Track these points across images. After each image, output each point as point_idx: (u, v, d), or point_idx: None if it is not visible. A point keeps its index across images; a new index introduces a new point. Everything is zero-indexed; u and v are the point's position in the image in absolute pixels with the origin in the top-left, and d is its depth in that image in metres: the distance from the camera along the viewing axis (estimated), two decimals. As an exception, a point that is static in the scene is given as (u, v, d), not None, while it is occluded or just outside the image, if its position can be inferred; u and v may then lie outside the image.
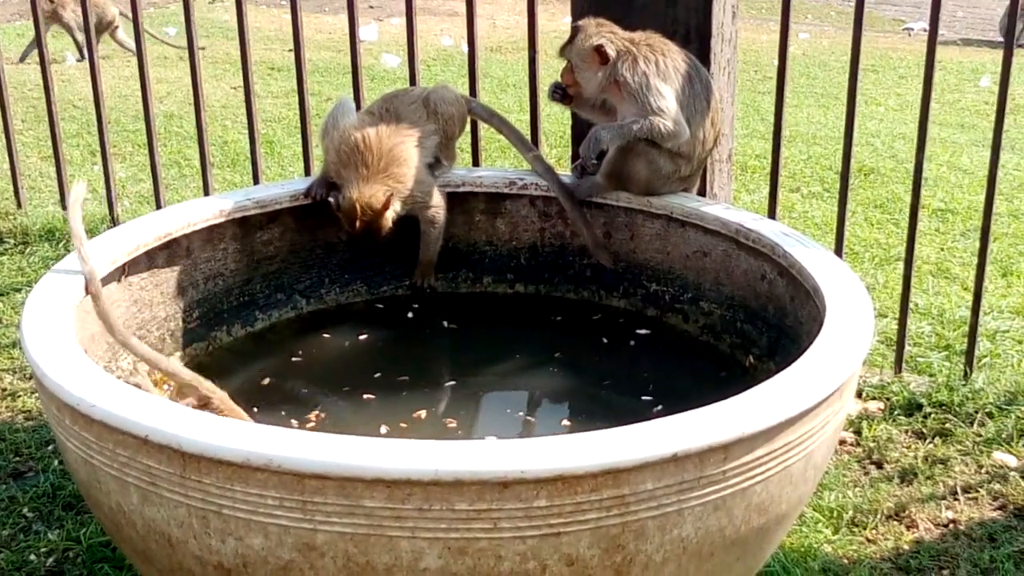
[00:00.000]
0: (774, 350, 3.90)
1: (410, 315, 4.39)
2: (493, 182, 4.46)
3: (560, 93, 4.28)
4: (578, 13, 4.58)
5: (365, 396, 3.80)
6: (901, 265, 6.49)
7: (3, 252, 6.06)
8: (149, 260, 3.91)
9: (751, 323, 4.02)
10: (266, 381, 3.94)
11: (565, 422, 3.70)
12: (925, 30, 16.22)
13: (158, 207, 6.08)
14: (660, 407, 3.81)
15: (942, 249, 6.90)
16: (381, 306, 4.47)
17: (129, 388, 2.93)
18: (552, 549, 2.69)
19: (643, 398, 3.88)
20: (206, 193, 5.88)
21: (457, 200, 4.44)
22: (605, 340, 4.27)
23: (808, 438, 2.98)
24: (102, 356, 3.68)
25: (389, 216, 4.17)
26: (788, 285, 3.83)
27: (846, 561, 3.77)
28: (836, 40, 15.50)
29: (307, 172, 5.57)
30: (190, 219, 4.02)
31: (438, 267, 4.49)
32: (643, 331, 4.28)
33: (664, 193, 4.21)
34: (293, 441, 2.68)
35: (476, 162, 5.24)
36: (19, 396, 4.70)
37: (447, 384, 3.95)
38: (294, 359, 4.10)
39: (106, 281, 3.70)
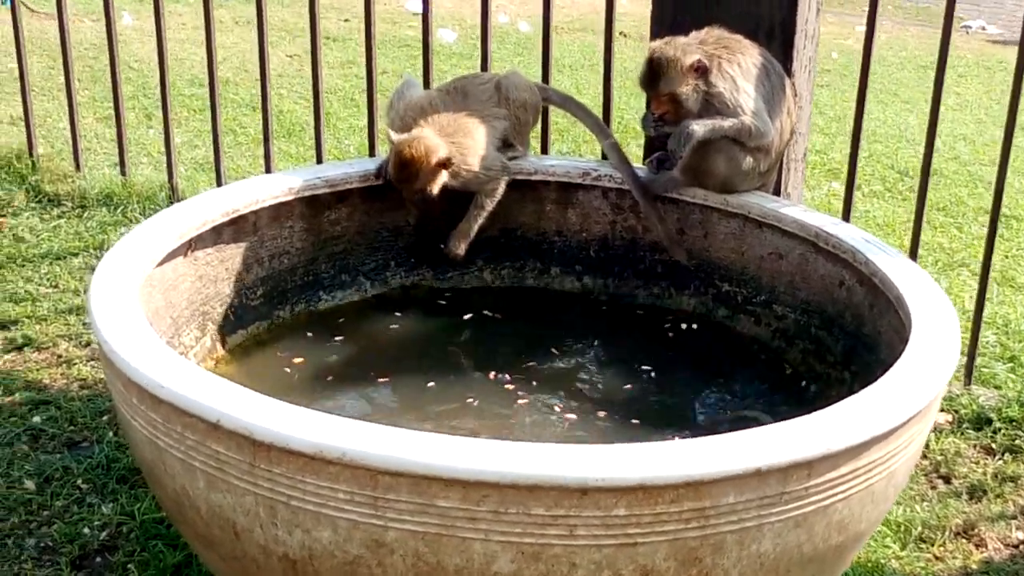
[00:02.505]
0: (849, 359, 3.81)
1: (468, 315, 4.32)
2: (566, 171, 4.37)
3: (659, 124, 4.15)
4: (660, 8, 4.48)
5: (429, 384, 3.78)
6: (965, 271, 6.42)
7: (61, 215, 6.01)
8: (215, 235, 3.85)
9: (826, 330, 3.93)
10: (330, 360, 3.90)
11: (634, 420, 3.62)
12: (983, 28, 16.03)
13: (217, 175, 6.02)
14: (729, 414, 3.73)
15: (1007, 256, 6.76)
16: (449, 295, 4.43)
17: (200, 370, 2.87)
18: (628, 559, 2.63)
19: (708, 402, 3.81)
20: (267, 165, 5.81)
21: (528, 189, 4.36)
22: (671, 335, 4.19)
23: (892, 456, 2.90)
24: (165, 331, 3.63)
25: (441, 179, 4.05)
26: (868, 293, 3.74)
27: (912, 579, 3.68)
28: (893, 34, 15.28)
29: (371, 151, 5.49)
30: (258, 196, 3.95)
31: (495, 254, 4.44)
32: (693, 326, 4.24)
33: (742, 190, 4.11)
34: (368, 435, 2.61)
35: (544, 150, 5.15)
36: (75, 364, 4.64)
37: (502, 380, 3.88)
38: (356, 342, 4.04)
39: (172, 255, 3.64)
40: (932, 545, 3.84)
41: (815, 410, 2.83)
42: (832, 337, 3.90)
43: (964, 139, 9.49)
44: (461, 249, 4.29)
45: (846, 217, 4.80)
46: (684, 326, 4.27)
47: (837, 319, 3.89)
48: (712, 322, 4.26)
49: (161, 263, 3.58)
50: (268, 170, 5.75)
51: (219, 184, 5.97)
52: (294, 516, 2.69)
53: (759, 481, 2.64)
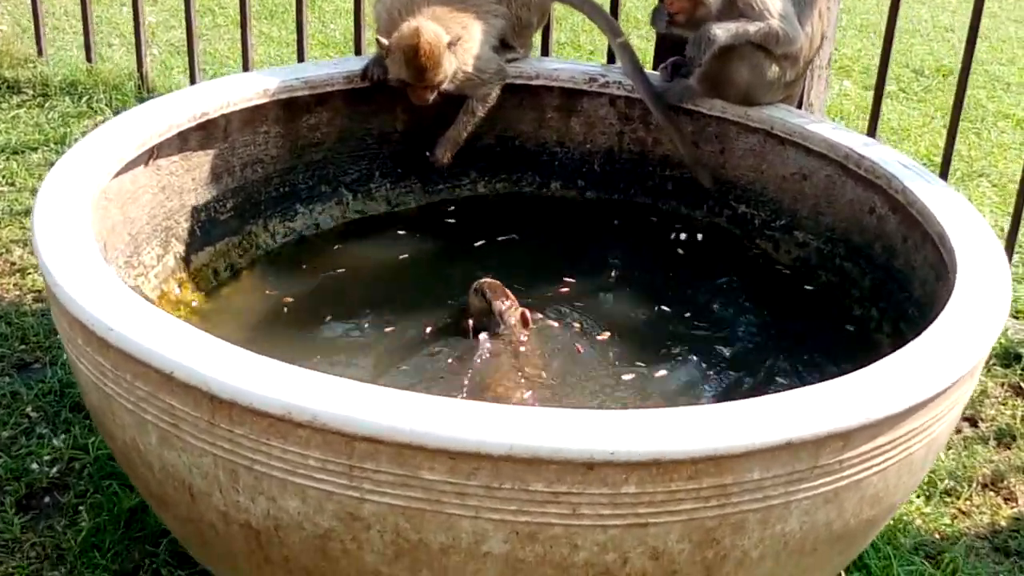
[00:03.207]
0: (878, 294, 3.48)
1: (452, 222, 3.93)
2: (570, 76, 3.98)
3: (667, 20, 3.72)
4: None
5: (418, 324, 3.44)
6: (984, 182, 6.04)
7: (20, 104, 5.57)
8: (181, 142, 3.47)
9: (852, 260, 3.59)
10: (305, 291, 3.54)
11: (639, 363, 3.27)
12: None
13: (191, 60, 5.55)
14: (743, 345, 3.40)
15: (1030, 166, 6.37)
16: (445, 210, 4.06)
17: (155, 311, 2.51)
18: (636, 541, 2.33)
19: (720, 335, 3.48)
20: (244, 52, 5.36)
21: (528, 94, 3.97)
22: (681, 251, 3.85)
23: (935, 423, 2.59)
24: (122, 250, 3.27)
25: (448, 66, 3.66)
26: (901, 223, 3.39)
27: (938, 537, 3.38)
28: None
29: (357, 49, 5.05)
30: (230, 98, 3.56)
31: (489, 164, 4.08)
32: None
33: (764, 102, 3.74)
34: (344, 395, 2.28)
35: (546, 51, 4.73)
36: (29, 273, 4.26)
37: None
38: (333, 270, 3.70)
39: (132, 165, 3.26)
40: (958, 499, 3.54)
41: (846, 370, 2.51)
42: (859, 269, 3.57)
43: (980, 36, 9.01)
44: (447, 157, 3.93)
45: (873, 131, 4.41)
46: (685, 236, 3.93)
47: (865, 250, 3.55)
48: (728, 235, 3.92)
49: (119, 174, 3.21)
50: (246, 55, 5.31)
51: (192, 71, 5.54)
52: (257, 482, 2.37)
53: (789, 455, 2.32)
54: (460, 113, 3.88)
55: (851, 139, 3.57)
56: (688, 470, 2.26)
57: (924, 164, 6.32)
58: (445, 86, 3.69)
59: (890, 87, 7.52)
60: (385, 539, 2.34)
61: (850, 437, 2.36)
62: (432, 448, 2.22)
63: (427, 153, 3.93)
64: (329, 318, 3.45)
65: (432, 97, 3.70)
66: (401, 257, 3.78)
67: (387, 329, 3.41)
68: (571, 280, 3.65)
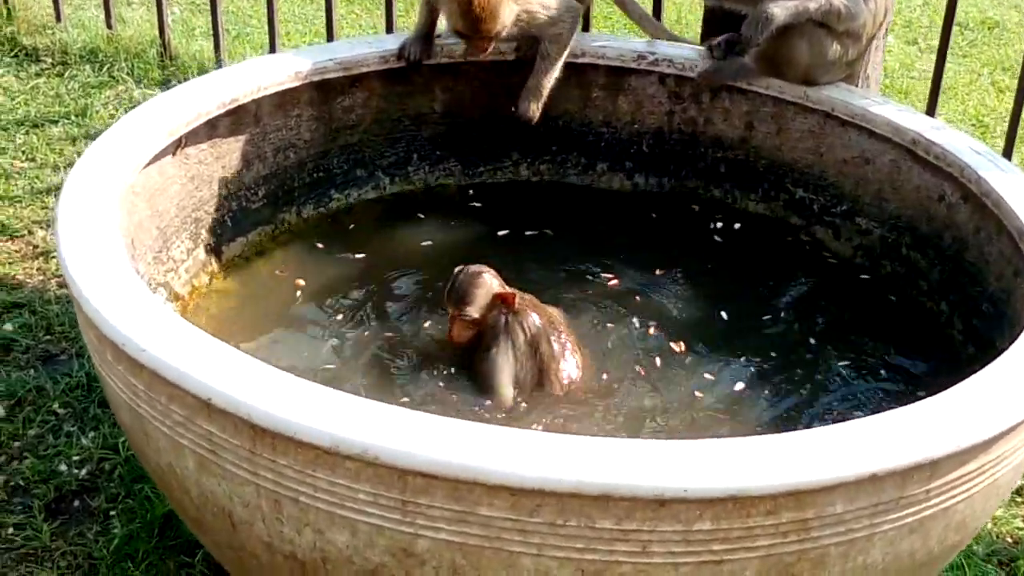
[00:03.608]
0: (947, 287, 3.29)
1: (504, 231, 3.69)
2: (618, 54, 3.78)
3: None
4: None
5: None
6: (1042, 145, 5.81)
7: (39, 73, 5.36)
8: (210, 129, 3.30)
9: (919, 250, 3.40)
10: (341, 280, 3.39)
11: (708, 376, 3.09)
12: None
13: (214, 19, 5.30)
14: (806, 342, 3.23)
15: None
16: (473, 193, 3.85)
17: (192, 329, 2.34)
18: (709, 578, 2.14)
19: (780, 332, 3.30)
20: (270, 20, 5.13)
21: (574, 72, 3.75)
22: (718, 239, 3.69)
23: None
24: (151, 246, 3.11)
25: (507, 13, 3.44)
26: (974, 213, 3.20)
27: (1010, 541, 3.22)
28: None
29: (388, 27, 4.83)
30: (260, 82, 3.38)
31: (543, 142, 3.84)
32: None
33: (824, 82, 3.54)
34: (396, 426, 2.14)
35: (586, 27, 4.50)
36: (53, 257, 4.09)
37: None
38: (366, 255, 3.51)
39: (159, 156, 3.09)
40: (1030, 499, 3.37)
41: (920, 370, 2.36)
42: (927, 260, 3.37)
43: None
44: (533, 110, 3.66)
45: (932, 109, 4.21)
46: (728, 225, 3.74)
47: (933, 239, 3.36)
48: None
49: (147, 166, 3.03)
50: (271, 9, 5.05)
51: (216, 32, 5.30)
52: (303, 514, 2.23)
53: (873, 487, 2.18)
54: (536, 60, 3.64)
55: (918, 122, 3.38)
56: (767, 505, 2.12)
57: (974, 125, 6.12)
58: (507, 31, 3.48)
59: (933, 40, 7.28)
60: (440, 575, 2.18)
61: (937, 466, 2.22)
62: (492, 484, 2.06)
63: (512, 109, 3.68)
64: (356, 304, 3.30)
65: (491, 48, 3.50)
66: (428, 244, 3.61)
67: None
68: (613, 274, 3.46)
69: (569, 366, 3.01)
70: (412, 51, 3.57)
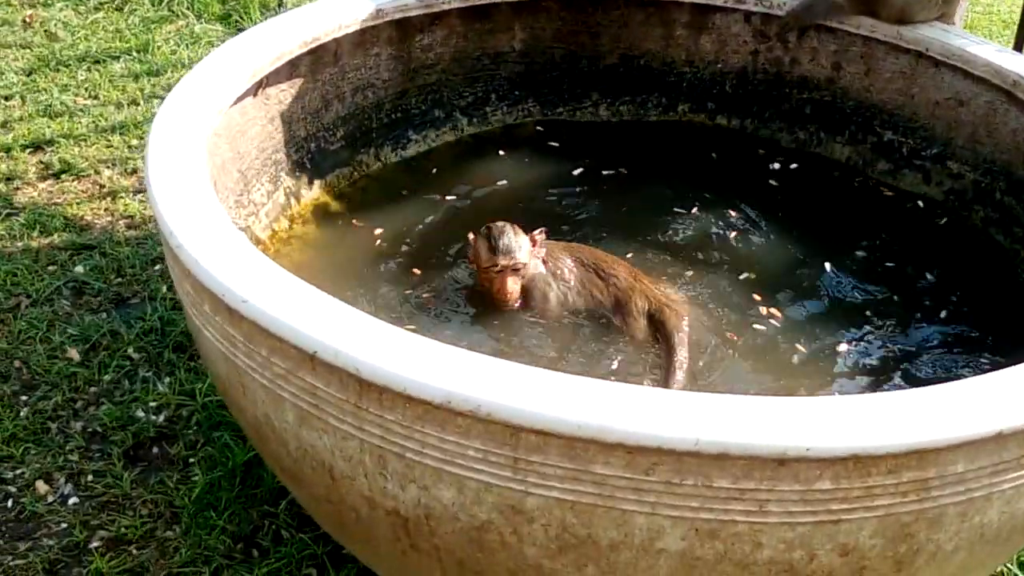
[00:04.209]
0: (1045, 233, 3.21)
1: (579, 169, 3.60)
2: (703, -10, 3.67)
3: None
4: None
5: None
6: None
7: (99, 7, 5.29)
8: (291, 69, 3.24)
9: (1015, 195, 3.30)
10: (420, 228, 3.32)
11: (774, 318, 3.01)
12: None
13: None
14: (904, 294, 3.14)
15: None
16: (550, 133, 3.73)
17: (294, 280, 2.28)
18: (826, 538, 2.14)
19: (876, 285, 3.21)
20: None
21: (655, 8, 3.68)
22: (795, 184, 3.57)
23: None
24: (232, 188, 3.05)
25: None
26: (1075, 158, 3.10)
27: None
28: None
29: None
30: (341, 20, 3.32)
31: (616, 87, 3.76)
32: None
33: (919, 20, 3.43)
34: (510, 382, 2.07)
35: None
36: (120, 197, 4.04)
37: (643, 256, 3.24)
38: (440, 197, 3.44)
39: (241, 97, 3.02)
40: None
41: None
42: (1022, 206, 3.27)
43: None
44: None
45: (1020, 46, 4.08)
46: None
47: (1031, 184, 3.27)
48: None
49: (229, 107, 2.96)
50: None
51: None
52: (409, 470, 2.17)
53: (997, 445, 2.12)
54: None
55: (1020, 63, 3.27)
56: (888, 464, 2.06)
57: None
58: None
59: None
60: (549, 533, 2.15)
61: (1062, 423, 2.13)
62: (608, 443, 2.00)
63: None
64: (435, 253, 3.25)
65: None
66: (504, 184, 3.54)
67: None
68: (691, 219, 3.38)
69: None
70: None
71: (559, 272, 3.00)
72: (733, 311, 3.03)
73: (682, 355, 2.85)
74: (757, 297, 3.08)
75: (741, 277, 3.16)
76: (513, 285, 2.97)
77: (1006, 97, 3.26)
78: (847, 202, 3.50)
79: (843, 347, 2.93)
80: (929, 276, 3.23)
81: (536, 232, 3.00)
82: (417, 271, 3.15)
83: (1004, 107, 3.28)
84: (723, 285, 3.13)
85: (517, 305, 2.98)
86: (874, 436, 2.03)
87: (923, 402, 2.12)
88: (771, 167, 3.62)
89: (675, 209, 3.40)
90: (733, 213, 3.39)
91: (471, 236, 3.00)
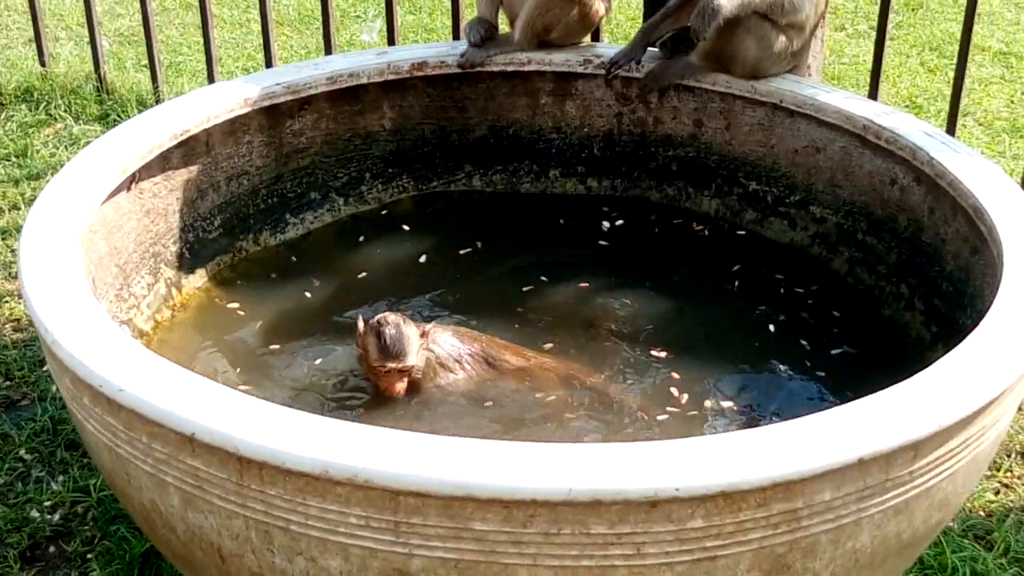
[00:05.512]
0: (906, 270, 3.32)
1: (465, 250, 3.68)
2: (564, 59, 3.79)
3: None
4: None
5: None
6: (970, 120, 5.89)
7: (-27, 115, 5.29)
8: (163, 162, 3.28)
9: (875, 235, 3.43)
10: (303, 308, 3.36)
11: (674, 375, 3.10)
12: None
13: (149, 48, 5.25)
14: (767, 333, 3.25)
15: (1011, 101, 6.24)
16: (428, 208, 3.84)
17: (168, 366, 2.32)
18: (705, 574, 2.18)
19: (742, 325, 3.32)
20: (207, 48, 5.10)
21: (520, 80, 3.78)
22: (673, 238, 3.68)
23: (1003, 415, 2.48)
24: (111, 283, 3.08)
25: None
26: (927, 195, 3.24)
27: (983, 514, 3.26)
28: None
29: (327, 48, 4.79)
30: (209, 111, 3.36)
31: (488, 158, 3.87)
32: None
33: (772, 75, 3.57)
34: (385, 448, 2.13)
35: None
36: (5, 301, 4.03)
37: (515, 314, 3.34)
38: (321, 282, 3.50)
39: (114, 192, 3.06)
40: (998, 471, 3.41)
41: (908, 371, 2.37)
42: (883, 244, 3.41)
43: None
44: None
45: (874, 92, 4.25)
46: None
47: (888, 223, 3.41)
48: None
49: (103, 203, 3.00)
50: (207, 37, 5.03)
51: (152, 64, 5.26)
52: (295, 543, 2.21)
53: (860, 472, 2.20)
54: None
55: (867, 109, 3.42)
56: (757, 498, 2.13)
57: (907, 107, 6.18)
58: None
59: (861, 26, 7.37)
60: (437, 594, 2.18)
61: (921, 447, 2.25)
62: (484, 499, 2.06)
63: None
64: (321, 327, 3.30)
65: None
66: (385, 261, 3.62)
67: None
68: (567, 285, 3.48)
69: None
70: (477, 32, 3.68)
71: (448, 364, 3.02)
72: (620, 361, 3.12)
73: None
74: (642, 347, 3.17)
75: (625, 328, 3.27)
76: (400, 386, 2.96)
77: (859, 141, 3.40)
78: (719, 251, 3.61)
79: (718, 387, 3.03)
80: (804, 315, 3.34)
81: (428, 326, 3.00)
82: (297, 354, 3.19)
83: (858, 151, 3.42)
84: (609, 336, 3.22)
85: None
86: (741, 471, 2.11)
87: (786, 435, 2.20)
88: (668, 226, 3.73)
89: (541, 277, 3.49)
90: (620, 274, 3.50)
91: (360, 325, 2.95)
